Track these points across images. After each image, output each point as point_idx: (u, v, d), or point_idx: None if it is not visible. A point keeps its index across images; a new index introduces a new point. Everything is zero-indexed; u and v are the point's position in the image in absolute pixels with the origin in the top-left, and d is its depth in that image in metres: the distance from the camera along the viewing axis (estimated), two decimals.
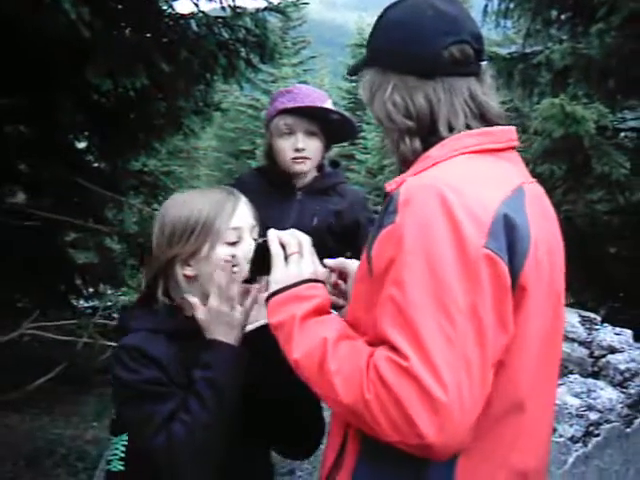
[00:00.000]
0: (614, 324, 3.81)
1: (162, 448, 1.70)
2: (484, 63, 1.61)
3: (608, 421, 3.00)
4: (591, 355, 3.46)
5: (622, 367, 3.30)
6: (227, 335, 1.83)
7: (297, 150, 3.00)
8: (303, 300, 1.55)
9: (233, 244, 1.88)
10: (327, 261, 1.84)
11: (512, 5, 8.41)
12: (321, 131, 3.04)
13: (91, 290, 7.08)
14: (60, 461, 4.91)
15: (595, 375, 3.35)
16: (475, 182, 1.42)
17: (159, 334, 1.85)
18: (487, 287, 1.31)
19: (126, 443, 1.88)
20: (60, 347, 5.09)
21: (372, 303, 1.42)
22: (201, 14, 5.82)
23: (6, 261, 5.51)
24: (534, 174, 1.63)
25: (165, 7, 5.81)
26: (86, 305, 7.22)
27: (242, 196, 1.98)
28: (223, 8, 6.02)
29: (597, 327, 3.66)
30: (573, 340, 3.47)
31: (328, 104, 3.06)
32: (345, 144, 25.51)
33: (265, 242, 1.70)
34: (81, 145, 7.04)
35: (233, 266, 1.86)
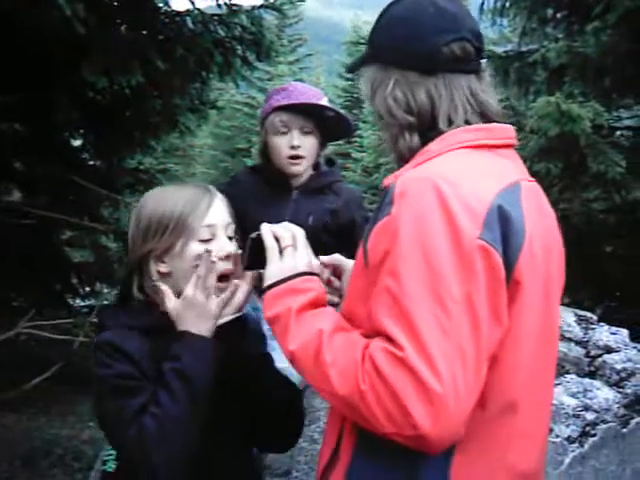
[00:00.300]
0: (610, 323, 3.81)
1: (133, 441, 1.70)
2: (484, 61, 1.62)
3: (604, 421, 3.00)
4: (587, 355, 3.46)
5: (618, 367, 3.30)
6: (199, 326, 1.82)
7: (292, 147, 3.00)
8: (299, 293, 1.56)
9: (207, 241, 1.88)
10: (321, 258, 1.84)
11: (508, 3, 8.40)
12: (316, 129, 3.04)
13: (87, 289, 7.06)
14: (56, 461, 4.90)
15: (591, 375, 3.35)
16: (471, 175, 1.43)
17: (133, 330, 1.85)
18: (482, 278, 1.32)
19: None
20: (56, 346, 5.08)
21: (368, 296, 1.42)
22: (197, 11, 5.81)
23: (2, 260, 5.50)
24: (530, 172, 1.64)
25: (161, 4, 5.78)
26: (82, 304, 7.20)
27: (218, 193, 1.98)
28: (219, 5, 6.01)
29: (593, 326, 3.66)
30: (569, 339, 3.47)
31: (324, 102, 3.05)
32: (341, 142, 25.50)
33: (259, 236, 1.71)
34: (77, 143, 7.01)
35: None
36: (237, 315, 1.91)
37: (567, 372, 3.30)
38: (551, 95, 7.11)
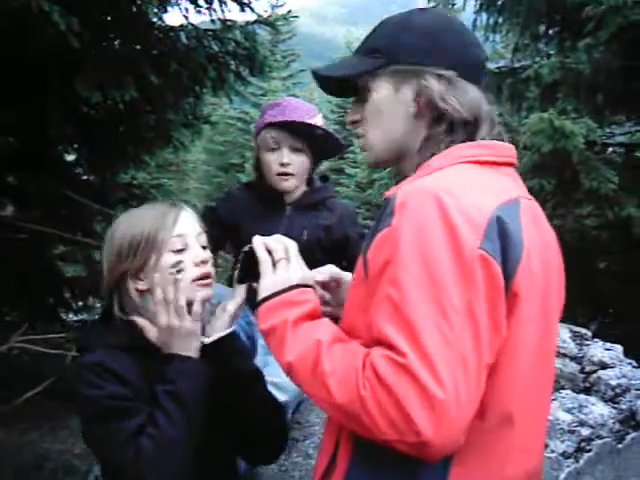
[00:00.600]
0: (604, 339, 3.81)
1: (131, 463, 1.72)
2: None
3: (600, 437, 2.99)
4: (582, 370, 3.45)
5: (613, 382, 3.29)
6: (184, 347, 1.86)
7: (282, 165, 3.01)
8: (294, 305, 1.57)
9: (179, 251, 1.93)
10: (317, 270, 1.85)
11: (501, 20, 8.44)
12: (307, 146, 3.04)
13: (80, 303, 7.02)
14: (48, 476, 4.85)
15: (586, 390, 3.34)
16: (471, 188, 1.43)
17: (119, 350, 1.88)
18: (482, 287, 1.33)
19: None
20: (49, 361, 5.05)
21: (367, 306, 1.43)
22: (191, 27, 5.82)
23: None
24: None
25: (155, 19, 5.81)
26: (75, 319, 7.17)
27: (185, 206, 2.04)
28: (213, 21, 6.03)
29: (588, 342, 3.66)
30: (564, 355, 3.47)
31: (317, 119, 3.05)
32: (334, 158, 25.55)
33: (251, 249, 1.72)
34: (70, 157, 7.01)
35: (178, 272, 1.91)
36: (229, 331, 1.96)
37: (562, 388, 3.29)
38: (544, 111, 7.15)
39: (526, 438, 1.51)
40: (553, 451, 2.86)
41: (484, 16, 8.50)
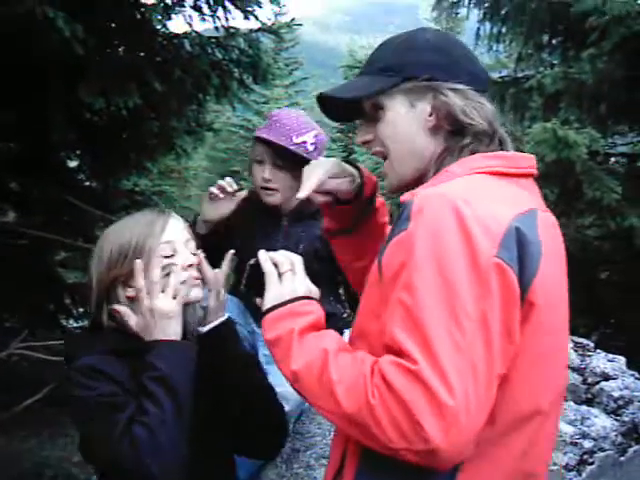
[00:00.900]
0: (606, 350, 3.80)
1: (127, 453, 1.73)
2: None
3: (602, 449, 2.98)
4: (584, 382, 3.44)
5: (616, 394, 3.28)
6: (166, 330, 1.89)
7: (264, 180, 3.01)
8: (300, 315, 1.58)
9: (168, 257, 1.98)
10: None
11: (504, 29, 8.46)
12: (291, 164, 2.98)
13: (80, 310, 7.01)
14: None
15: (589, 402, 3.33)
16: (488, 198, 1.44)
17: (110, 354, 1.90)
18: (496, 296, 1.33)
19: None
20: (49, 367, 5.03)
21: (380, 311, 1.44)
22: (195, 34, 5.81)
23: None
24: None
25: (159, 26, 5.80)
26: (75, 325, 7.15)
27: (173, 213, 2.07)
28: (217, 28, 6.02)
29: (590, 353, 3.65)
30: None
31: (306, 136, 3.01)
32: None
33: (257, 262, 1.73)
34: (72, 164, 7.00)
35: (167, 275, 1.95)
36: (224, 318, 2.06)
37: (564, 399, 3.28)
38: (547, 121, 7.15)
39: (534, 447, 1.51)
40: (555, 464, 2.85)
41: (488, 25, 8.53)
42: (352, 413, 1.34)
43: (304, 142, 2.98)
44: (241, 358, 2.07)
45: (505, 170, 1.56)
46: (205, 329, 2.03)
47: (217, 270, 2.09)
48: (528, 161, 1.64)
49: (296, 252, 1.80)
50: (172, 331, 1.89)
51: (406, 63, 1.65)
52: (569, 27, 7.84)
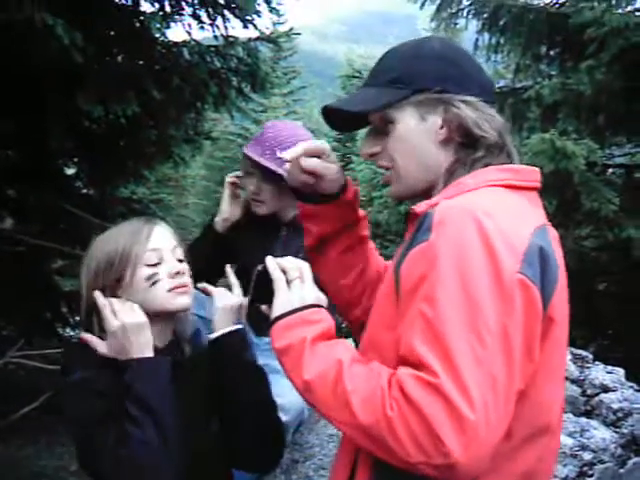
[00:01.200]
0: (603, 362, 3.80)
1: (110, 474, 1.74)
2: None
3: (602, 461, 2.97)
4: (583, 394, 3.43)
5: (615, 406, 3.28)
6: (141, 345, 1.88)
7: (252, 192, 3.04)
8: (311, 324, 1.56)
9: (154, 265, 1.97)
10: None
11: (502, 40, 8.47)
12: (280, 176, 2.98)
13: (77, 318, 6.98)
14: None
15: (588, 414, 3.32)
16: (507, 212, 1.44)
17: (104, 367, 1.90)
18: (519, 312, 1.32)
19: None
20: (46, 376, 5.02)
21: (396, 323, 1.43)
22: (193, 42, 5.81)
23: None
24: None
25: (158, 35, 5.79)
26: (72, 334, 7.13)
27: (159, 221, 2.08)
28: (216, 37, 6.02)
29: (589, 365, 3.64)
30: (565, 378, 3.44)
31: (295, 149, 3.00)
32: None
33: (265, 269, 1.71)
34: (70, 171, 6.99)
35: (153, 283, 1.95)
36: (238, 327, 2.05)
37: (563, 411, 3.27)
38: (545, 132, 7.17)
39: (543, 462, 1.53)
40: (556, 476, 2.84)
41: (486, 36, 8.54)
42: (368, 425, 1.32)
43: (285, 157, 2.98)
44: (251, 369, 2.06)
45: (517, 183, 1.56)
46: (213, 336, 2.02)
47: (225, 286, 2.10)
48: (535, 174, 1.63)
49: None
50: (146, 343, 1.88)
51: (415, 75, 1.62)
52: (567, 38, 7.86)
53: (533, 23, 8.00)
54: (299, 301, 1.62)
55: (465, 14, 8.79)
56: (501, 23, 8.39)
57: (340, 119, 1.80)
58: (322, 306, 1.65)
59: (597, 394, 3.39)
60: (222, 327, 2.04)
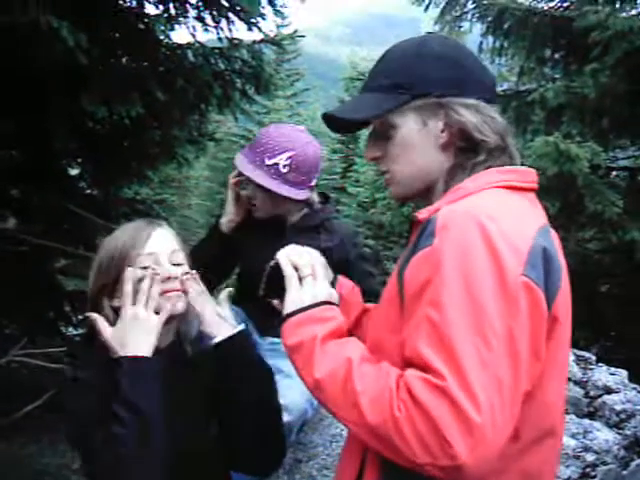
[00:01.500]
0: (607, 363, 3.80)
1: (100, 473, 1.77)
2: None
3: (604, 463, 2.97)
4: (587, 395, 3.43)
5: (618, 408, 3.28)
6: (139, 344, 1.86)
7: (247, 197, 3.07)
8: (322, 322, 1.56)
9: (148, 268, 1.96)
10: None
11: (506, 43, 8.49)
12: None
13: (80, 317, 6.99)
14: None
15: (591, 415, 3.32)
16: (509, 213, 1.44)
17: (100, 366, 1.90)
18: (525, 314, 1.33)
19: None
20: (48, 374, 5.03)
21: (399, 327, 1.43)
22: (198, 44, 5.82)
23: None
24: None
25: (162, 37, 5.80)
26: (75, 333, 7.14)
27: (162, 223, 2.09)
28: (220, 39, 6.02)
29: (592, 367, 3.64)
30: (568, 379, 3.45)
31: (281, 157, 3.00)
32: (336, 176, 25.55)
33: (277, 264, 1.69)
34: (74, 172, 6.99)
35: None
36: (240, 328, 2.03)
37: (566, 412, 3.27)
38: (549, 135, 7.16)
39: (547, 464, 1.54)
40: (558, 476, 2.84)
41: (490, 39, 8.57)
42: (376, 425, 1.33)
43: (276, 164, 2.99)
44: (257, 369, 2.05)
45: (518, 184, 1.57)
46: (218, 339, 2.00)
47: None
48: (533, 175, 1.64)
49: None
50: (146, 344, 1.87)
51: (416, 79, 1.61)
52: (571, 42, 7.87)
53: (537, 26, 8.02)
54: (311, 298, 1.62)
55: (469, 17, 8.80)
56: (505, 26, 8.41)
57: (341, 123, 1.79)
58: (334, 303, 1.65)
59: (600, 395, 3.39)
60: (222, 330, 2.02)
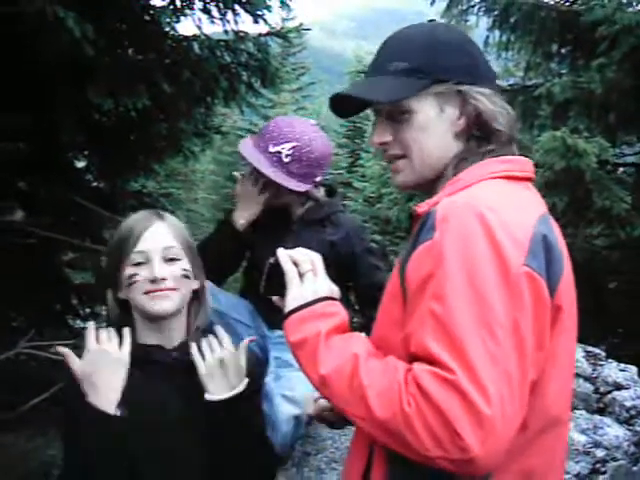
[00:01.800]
0: (616, 359, 3.79)
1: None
2: None
3: (614, 459, 2.96)
4: (596, 391, 3.42)
5: (628, 404, 3.27)
6: (111, 386, 1.90)
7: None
8: (325, 317, 1.55)
9: (138, 265, 1.98)
10: None
11: (513, 37, 8.47)
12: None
13: (87, 310, 6.99)
14: None
15: (601, 411, 3.32)
16: (509, 203, 1.44)
17: None
18: (528, 304, 1.33)
19: None
20: (56, 367, 5.03)
21: (402, 320, 1.43)
22: (204, 37, 5.80)
23: (2, 279, 5.44)
24: None
25: (168, 29, 5.79)
26: (82, 325, 7.14)
27: (165, 215, 2.08)
28: (226, 32, 6.00)
29: (602, 363, 3.64)
30: (578, 375, 3.44)
31: (284, 146, 3.01)
32: (342, 171, 25.53)
33: (277, 261, 1.68)
34: (80, 164, 6.99)
35: (131, 284, 1.97)
36: (237, 391, 2.00)
37: (576, 408, 3.26)
38: (556, 130, 7.14)
39: (555, 453, 1.54)
40: (568, 472, 2.83)
41: (497, 33, 8.55)
42: (385, 420, 1.32)
43: (279, 152, 2.99)
44: (248, 430, 2.02)
45: (519, 174, 1.57)
46: (216, 398, 1.98)
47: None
48: (530, 165, 1.65)
49: None
50: (117, 383, 1.90)
51: (435, 65, 1.60)
52: (578, 36, 7.85)
53: (544, 21, 8.00)
54: (312, 294, 1.61)
55: (476, 11, 8.78)
56: (512, 21, 8.38)
57: (346, 105, 1.76)
58: (336, 298, 1.65)
59: (610, 392, 3.38)
60: (217, 386, 2.00)
